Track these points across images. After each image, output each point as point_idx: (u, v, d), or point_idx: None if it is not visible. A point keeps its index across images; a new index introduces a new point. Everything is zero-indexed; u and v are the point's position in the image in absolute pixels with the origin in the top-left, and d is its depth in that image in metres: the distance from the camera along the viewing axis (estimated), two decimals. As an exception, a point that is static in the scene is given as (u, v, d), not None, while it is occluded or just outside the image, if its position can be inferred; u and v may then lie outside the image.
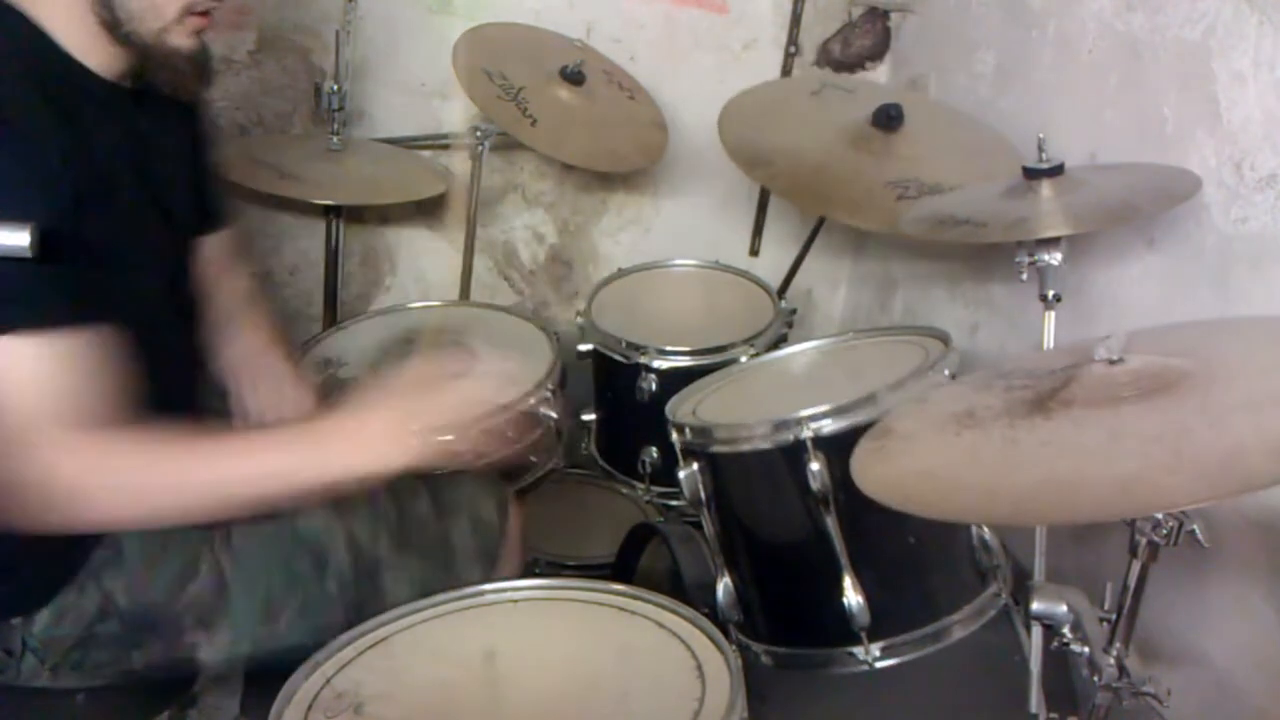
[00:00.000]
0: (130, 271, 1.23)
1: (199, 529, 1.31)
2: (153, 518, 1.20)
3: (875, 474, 1.08)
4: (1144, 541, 1.07)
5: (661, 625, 1.23)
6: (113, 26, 1.20)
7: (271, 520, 1.34)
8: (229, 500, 1.19)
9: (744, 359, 1.86)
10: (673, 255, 2.28)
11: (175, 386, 1.36)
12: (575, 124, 2.19)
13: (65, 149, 1.14)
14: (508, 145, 2.41)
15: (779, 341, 1.96)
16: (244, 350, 1.54)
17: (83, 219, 1.13)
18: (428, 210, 2.52)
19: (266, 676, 1.23)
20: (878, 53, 2.63)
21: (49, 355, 1.11)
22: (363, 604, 1.32)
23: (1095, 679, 1.12)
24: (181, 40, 1.25)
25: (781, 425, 1.41)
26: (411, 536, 1.40)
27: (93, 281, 1.16)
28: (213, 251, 1.53)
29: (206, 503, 1.19)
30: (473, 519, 1.44)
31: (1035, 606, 1.14)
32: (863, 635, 1.43)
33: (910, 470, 1.08)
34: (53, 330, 1.11)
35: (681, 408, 1.59)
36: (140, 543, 1.29)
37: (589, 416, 2.07)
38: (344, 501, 1.37)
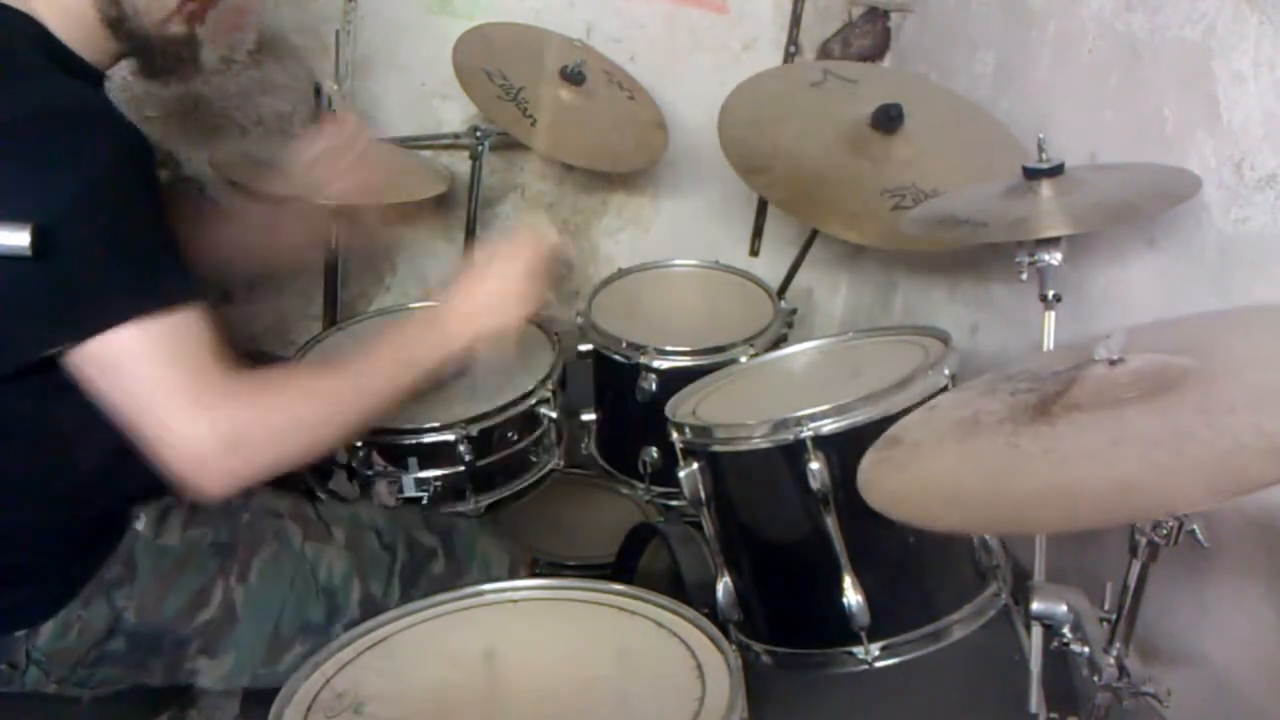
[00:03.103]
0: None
1: (216, 558, 1.32)
2: (312, 448, 1.25)
3: (882, 487, 1.08)
4: (1144, 542, 1.07)
5: (661, 625, 1.23)
6: (117, 22, 1.22)
7: (288, 557, 1.36)
8: (375, 403, 1.28)
9: (744, 359, 1.85)
10: (673, 255, 2.28)
11: None
12: (575, 124, 2.19)
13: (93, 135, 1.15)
14: (508, 145, 2.41)
15: (779, 341, 1.95)
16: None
17: (137, 199, 1.15)
18: (428, 210, 2.52)
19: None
20: (878, 53, 2.63)
21: (169, 327, 1.13)
22: None
23: (1095, 679, 1.12)
24: (180, 27, 1.28)
25: (781, 425, 1.41)
26: (422, 592, 1.40)
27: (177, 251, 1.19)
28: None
29: (357, 413, 1.28)
30: (484, 577, 1.45)
31: (1035, 606, 1.14)
32: (862, 635, 1.43)
33: (916, 482, 1.08)
34: (165, 305, 1.13)
35: (681, 408, 1.59)
36: (154, 564, 1.29)
37: (589, 416, 2.07)
38: (360, 545, 1.41)
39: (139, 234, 1.14)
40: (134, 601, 1.27)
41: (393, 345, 1.32)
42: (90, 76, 1.26)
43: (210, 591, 1.30)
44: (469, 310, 1.38)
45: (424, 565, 1.43)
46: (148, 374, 1.12)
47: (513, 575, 1.48)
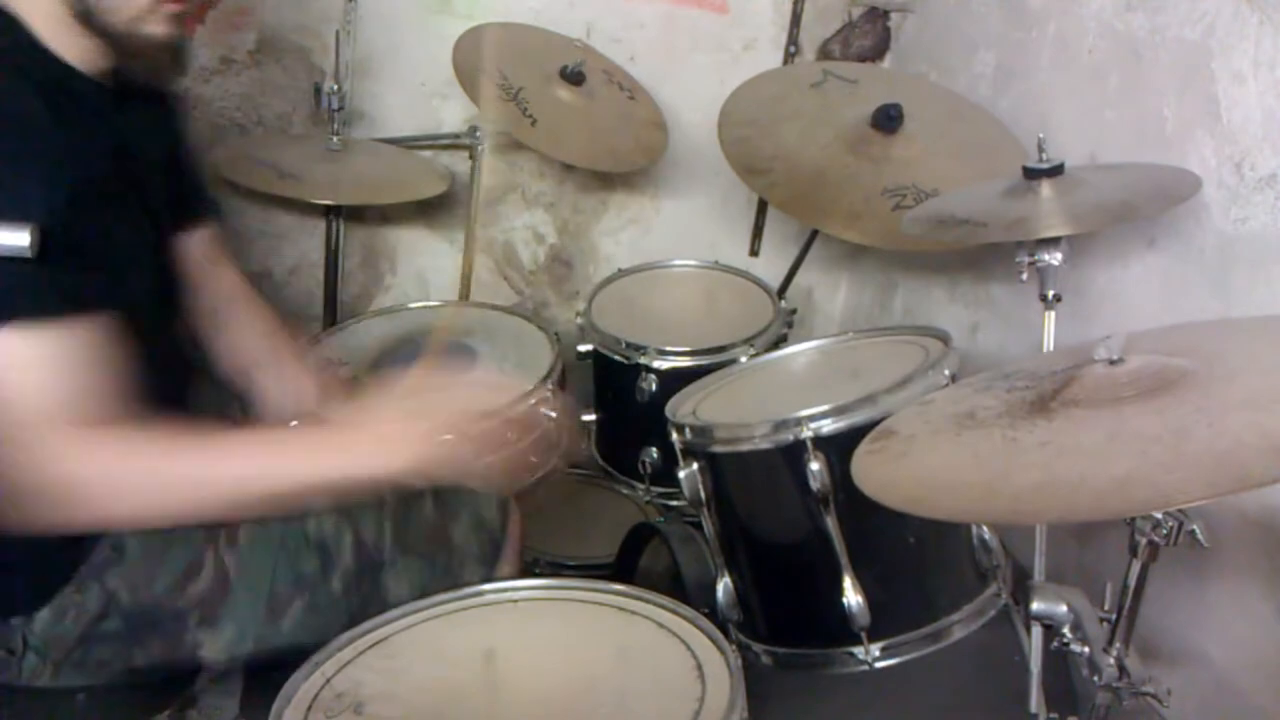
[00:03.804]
0: (120, 269, 1.23)
1: (203, 527, 1.31)
2: (161, 515, 1.18)
3: (876, 476, 1.09)
4: (1144, 541, 1.07)
5: (661, 625, 1.23)
6: (85, 17, 1.19)
7: (280, 519, 1.34)
8: (241, 499, 1.18)
9: (744, 359, 1.86)
10: (673, 255, 2.28)
11: (166, 386, 1.35)
12: (575, 124, 2.19)
13: (61, 147, 1.13)
14: (508, 145, 2.41)
15: (779, 341, 1.96)
16: (247, 340, 1.54)
17: (77, 217, 1.12)
18: (428, 210, 2.52)
19: (266, 676, 1.24)
20: (878, 53, 2.63)
21: (51, 348, 1.10)
22: (365, 603, 1.33)
23: (1095, 679, 1.12)
24: (156, 28, 1.22)
25: (781, 425, 1.41)
26: (414, 537, 1.40)
27: (90, 277, 1.15)
28: (196, 247, 1.51)
29: (219, 500, 1.18)
30: (474, 520, 1.44)
31: (1035, 606, 1.14)
32: (863, 635, 1.43)
33: (911, 471, 1.08)
34: (53, 322, 1.10)
35: (681, 408, 1.60)
36: (143, 540, 1.29)
37: (589, 417, 2.07)
38: (353, 501, 1.37)
39: (72, 247, 1.11)
40: (125, 581, 1.27)
41: (285, 454, 1.19)
42: (72, 78, 1.22)
43: (201, 562, 1.30)
44: (373, 437, 1.21)
45: (414, 509, 1.42)
46: (28, 379, 1.09)
47: (503, 512, 1.47)
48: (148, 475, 1.15)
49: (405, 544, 1.39)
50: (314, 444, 1.23)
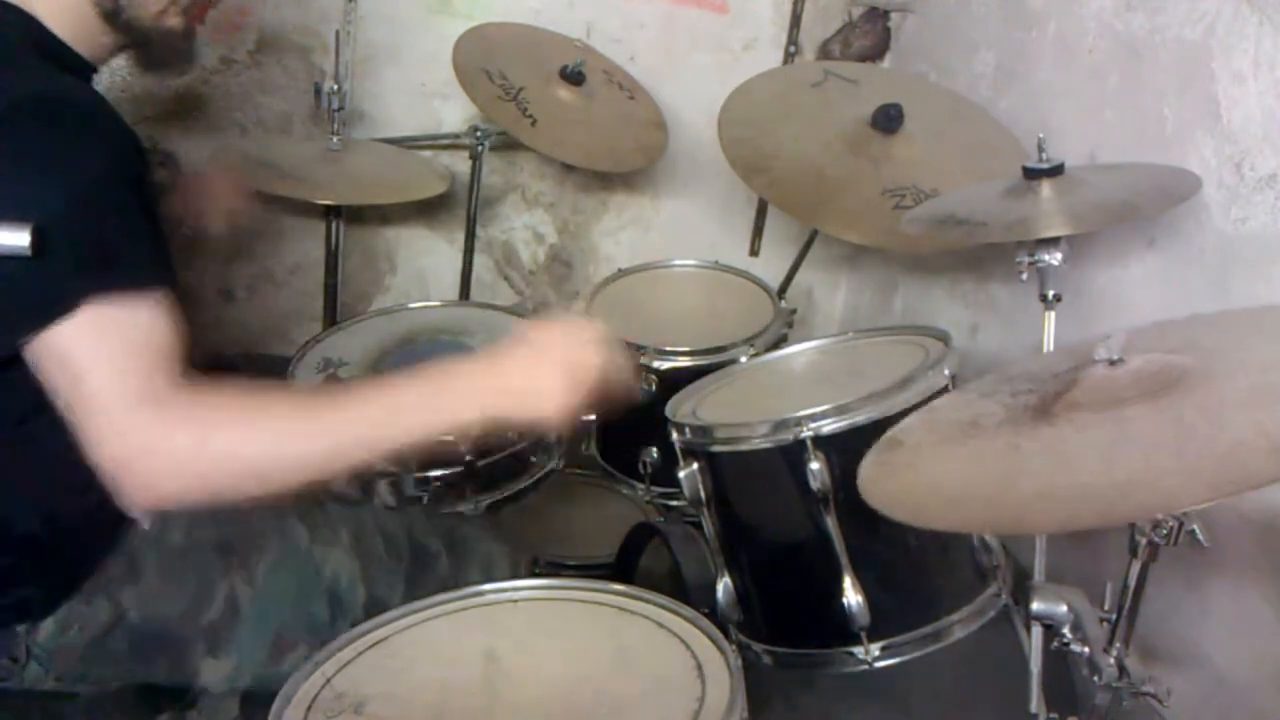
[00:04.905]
0: (163, 242, 1.22)
1: (220, 557, 1.31)
2: (260, 484, 1.12)
3: (882, 488, 1.08)
4: (1144, 541, 1.07)
5: (661, 625, 1.23)
6: (113, 15, 1.23)
7: (294, 557, 1.35)
8: (353, 454, 1.13)
9: (744, 359, 1.85)
10: (673, 255, 2.28)
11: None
12: (575, 124, 2.19)
13: (106, 127, 1.15)
14: (508, 145, 2.42)
15: (779, 341, 1.96)
16: None
17: (127, 192, 1.13)
18: (428, 210, 2.52)
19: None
20: (878, 53, 2.63)
21: (119, 326, 1.08)
22: None
23: (1095, 679, 1.12)
24: (176, 20, 1.29)
25: (781, 425, 1.41)
26: (426, 588, 1.39)
27: (144, 252, 1.14)
28: None
29: (327, 460, 1.13)
30: (487, 576, 1.44)
31: (1035, 606, 1.14)
32: (862, 635, 1.43)
33: (916, 483, 1.08)
34: (119, 300, 1.09)
35: (681, 408, 1.59)
36: (158, 561, 1.29)
37: (589, 417, 2.06)
38: (366, 547, 1.39)
39: (115, 231, 1.11)
40: (137, 599, 1.27)
41: (394, 398, 1.16)
42: (84, 71, 1.26)
43: (214, 591, 1.30)
44: (498, 383, 1.19)
45: (427, 560, 1.43)
46: (97, 365, 1.06)
47: (514, 566, 1.47)
48: (247, 441, 1.10)
49: (414, 595, 1.37)
50: (438, 386, 1.17)
